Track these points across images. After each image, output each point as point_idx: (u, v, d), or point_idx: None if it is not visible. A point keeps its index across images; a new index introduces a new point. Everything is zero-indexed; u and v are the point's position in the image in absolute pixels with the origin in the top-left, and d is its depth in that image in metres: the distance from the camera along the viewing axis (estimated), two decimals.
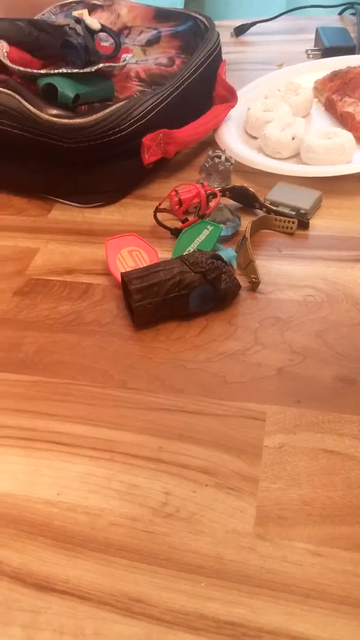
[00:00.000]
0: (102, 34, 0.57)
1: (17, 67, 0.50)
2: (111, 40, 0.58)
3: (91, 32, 0.51)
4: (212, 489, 0.33)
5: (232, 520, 0.32)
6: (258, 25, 0.82)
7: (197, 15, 0.64)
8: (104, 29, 0.52)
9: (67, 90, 0.49)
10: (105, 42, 0.59)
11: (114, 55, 0.53)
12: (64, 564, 0.31)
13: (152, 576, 0.30)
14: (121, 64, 0.53)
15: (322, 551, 0.30)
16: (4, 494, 0.34)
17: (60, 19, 0.51)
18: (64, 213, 0.54)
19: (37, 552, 0.31)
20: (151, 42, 0.61)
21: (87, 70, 0.50)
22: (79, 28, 0.49)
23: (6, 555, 0.31)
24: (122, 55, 0.54)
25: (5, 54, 0.51)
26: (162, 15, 0.65)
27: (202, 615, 0.28)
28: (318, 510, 0.32)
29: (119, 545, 0.31)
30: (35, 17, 0.63)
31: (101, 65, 0.50)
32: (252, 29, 0.81)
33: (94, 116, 0.48)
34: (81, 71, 0.49)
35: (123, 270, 0.43)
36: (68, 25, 0.50)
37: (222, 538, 0.31)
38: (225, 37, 0.79)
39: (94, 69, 0.50)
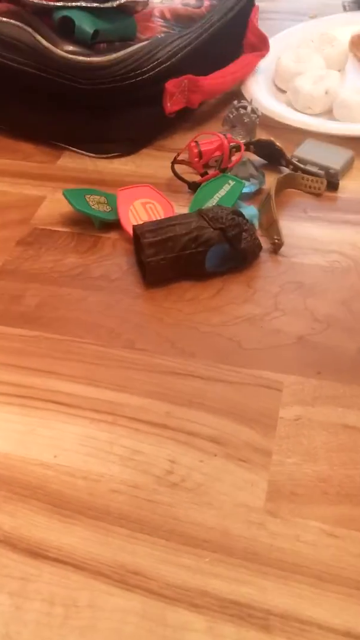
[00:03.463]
0: None
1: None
2: None
3: None
4: (221, 460, 0.31)
5: (241, 494, 0.29)
6: None
7: None
8: None
9: (86, 25, 0.45)
10: None
11: None
12: (58, 530, 0.29)
13: (152, 548, 0.28)
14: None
15: (338, 532, 0.28)
16: None
17: None
18: (74, 161, 0.51)
19: (30, 517, 0.29)
20: None
21: (108, 5, 0.45)
22: None
23: None
24: None
25: None
26: None
27: (204, 592, 0.27)
28: (335, 488, 0.29)
29: (119, 514, 0.29)
30: None
31: (123, 0, 0.46)
32: None
33: (114, 55, 0.45)
34: (102, 5, 0.45)
35: (135, 223, 0.40)
36: None
37: (230, 512, 0.29)
38: None
39: (115, 3, 0.46)
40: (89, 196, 0.43)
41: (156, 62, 0.46)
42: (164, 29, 0.49)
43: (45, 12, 0.46)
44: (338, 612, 0.26)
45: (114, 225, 0.44)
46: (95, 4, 0.45)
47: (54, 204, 0.47)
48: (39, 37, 0.45)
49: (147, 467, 0.31)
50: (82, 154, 0.51)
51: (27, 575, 0.28)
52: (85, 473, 0.31)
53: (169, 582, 0.27)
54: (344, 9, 0.69)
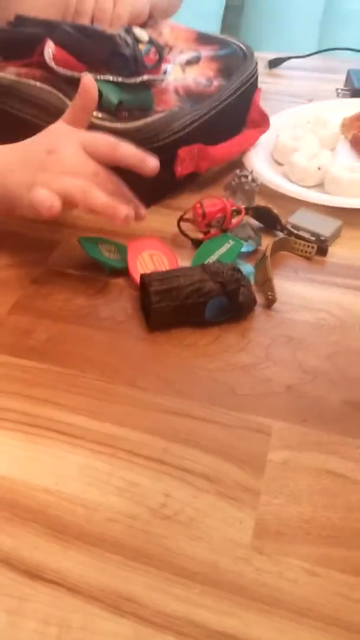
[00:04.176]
0: (142, 45, 0.59)
1: (62, 71, 0.51)
2: (151, 53, 0.59)
3: (138, 43, 0.53)
4: (212, 496, 0.33)
5: (230, 530, 0.31)
6: (292, 60, 0.84)
7: (238, 43, 0.66)
8: (151, 40, 0.53)
9: (112, 95, 0.50)
10: (144, 53, 0.60)
11: (157, 66, 0.54)
12: (56, 553, 0.30)
13: (145, 576, 0.29)
14: (162, 77, 0.54)
15: (318, 571, 0.30)
16: (1, 476, 0.33)
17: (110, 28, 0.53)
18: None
19: (30, 539, 0.31)
20: (191, 62, 0.63)
21: (132, 80, 0.51)
22: (128, 39, 0.51)
23: None
24: (162, 66, 0.56)
25: (51, 55, 0.53)
26: (204, 38, 0.67)
27: (192, 621, 0.28)
28: (317, 530, 0.31)
29: (114, 542, 0.31)
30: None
31: (146, 77, 0.52)
32: (286, 64, 0.84)
33: (136, 123, 0.50)
34: (127, 81, 0.51)
35: (142, 272, 0.43)
36: (119, 35, 0.51)
37: (219, 546, 0.31)
38: (259, 67, 0.82)
39: (138, 80, 0.51)
40: (101, 244, 0.47)
41: (172, 132, 0.51)
42: (177, 104, 0.55)
43: (76, 83, 0.52)
44: None
45: (123, 272, 0.47)
46: (120, 79, 0.51)
47: (68, 249, 0.50)
48: (68, 102, 0.50)
49: (143, 499, 0.32)
50: None
51: (24, 594, 0.29)
52: (84, 501, 0.32)
53: (159, 609, 0.28)
54: (337, 95, 0.77)
